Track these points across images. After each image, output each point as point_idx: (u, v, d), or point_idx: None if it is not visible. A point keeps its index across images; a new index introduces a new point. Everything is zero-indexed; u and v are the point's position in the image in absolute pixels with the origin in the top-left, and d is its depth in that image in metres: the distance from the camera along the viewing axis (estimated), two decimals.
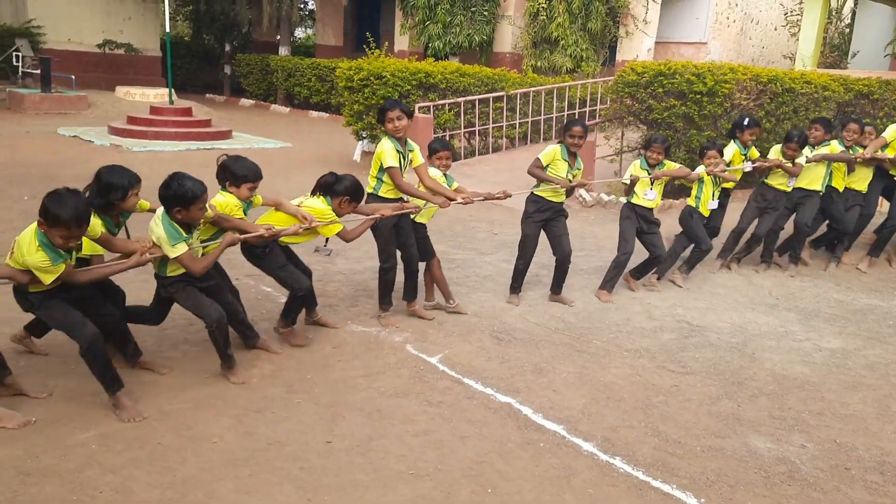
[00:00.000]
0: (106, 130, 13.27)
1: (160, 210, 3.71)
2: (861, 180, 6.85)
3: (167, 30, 14.91)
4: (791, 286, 6.42)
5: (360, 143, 12.25)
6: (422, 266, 5.13)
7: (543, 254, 6.99)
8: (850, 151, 6.62)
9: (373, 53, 11.74)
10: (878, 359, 4.88)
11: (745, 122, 6.38)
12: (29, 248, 3.26)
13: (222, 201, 4.05)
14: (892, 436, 3.81)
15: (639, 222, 5.73)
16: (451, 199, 4.79)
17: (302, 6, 25.30)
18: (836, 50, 16.48)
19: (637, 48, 16.32)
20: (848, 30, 17.29)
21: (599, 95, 13.33)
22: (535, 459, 3.36)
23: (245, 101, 21.78)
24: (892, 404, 4.20)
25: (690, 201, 6.21)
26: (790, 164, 6.37)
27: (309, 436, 3.44)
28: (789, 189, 6.55)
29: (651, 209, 5.73)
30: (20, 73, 17.22)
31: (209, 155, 11.71)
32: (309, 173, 10.11)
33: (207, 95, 22.63)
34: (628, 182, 5.67)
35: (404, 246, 4.87)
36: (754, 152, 6.51)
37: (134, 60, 21.02)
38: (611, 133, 10.54)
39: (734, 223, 6.71)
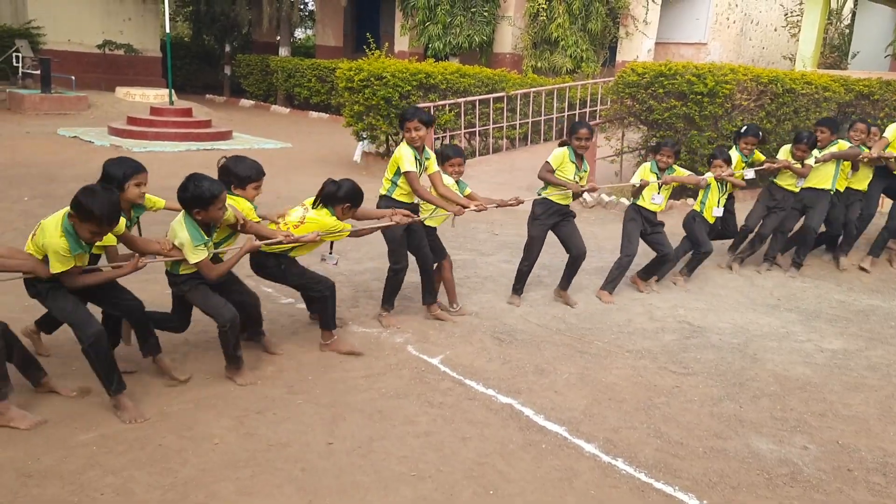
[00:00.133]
0: (106, 131, 13.27)
1: (182, 213, 3.72)
2: (861, 180, 6.88)
3: (167, 30, 14.90)
4: (792, 287, 6.42)
5: (361, 143, 12.24)
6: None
7: (544, 255, 6.99)
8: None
9: (373, 54, 11.74)
10: (879, 360, 4.88)
11: (742, 130, 6.44)
12: (53, 231, 3.27)
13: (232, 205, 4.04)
14: (894, 437, 3.80)
15: (643, 224, 5.73)
16: (465, 207, 4.81)
17: (302, 7, 25.31)
18: (836, 50, 16.49)
19: (637, 49, 16.31)
20: (848, 30, 17.29)
21: (600, 96, 13.33)
22: (536, 461, 3.35)
23: (245, 102, 21.78)
24: (894, 405, 4.19)
25: (695, 206, 6.23)
26: (799, 165, 6.40)
27: (310, 437, 3.43)
28: (798, 189, 6.57)
29: (655, 212, 5.74)
30: (20, 74, 17.22)
31: (209, 156, 11.71)
32: (309, 174, 10.12)
33: (207, 96, 22.63)
34: (637, 184, 5.67)
35: (417, 248, 4.87)
36: (759, 156, 6.53)
37: (134, 61, 21.02)
38: (611, 134, 10.53)
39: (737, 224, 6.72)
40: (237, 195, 4.06)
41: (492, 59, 17.21)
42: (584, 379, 4.27)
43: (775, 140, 9.12)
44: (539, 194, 5.36)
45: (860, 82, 10.25)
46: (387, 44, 13.81)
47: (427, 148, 4.81)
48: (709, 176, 6.05)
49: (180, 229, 3.67)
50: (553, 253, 6.94)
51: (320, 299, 4.40)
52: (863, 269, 6.98)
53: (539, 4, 16.00)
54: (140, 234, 3.93)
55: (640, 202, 5.73)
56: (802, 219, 6.78)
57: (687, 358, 4.69)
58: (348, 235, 4.45)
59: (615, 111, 10.22)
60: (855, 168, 6.74)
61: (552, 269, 6.12)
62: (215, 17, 23.60)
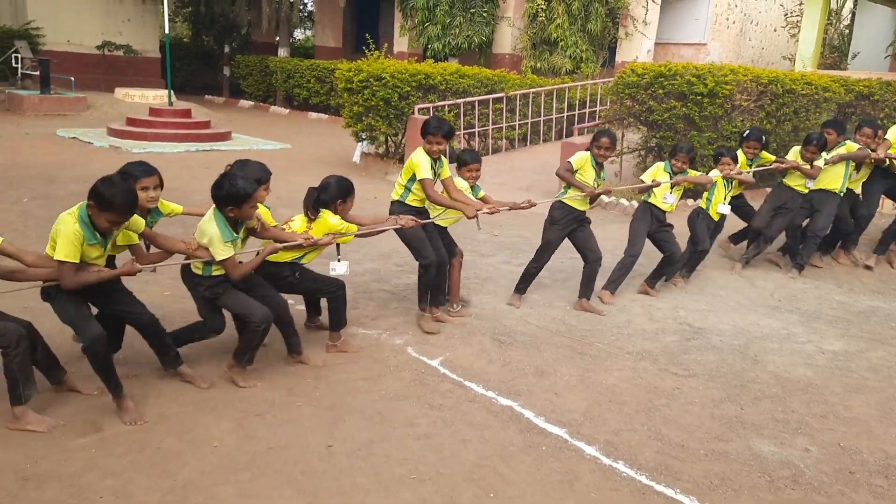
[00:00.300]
0: (105, 132, 13.25)
1: (212, 209, 3.75)
2: (857, 181, 6.94)
3: (166, 31, 14.90)
4: (793, 288, 6.41)
5: (360, 144, 12.23)
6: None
7: None
8: None
9: (372, 55, 11.73)
10: (881, 361, 4.87)
11: (745, 135, 6.51)
12: (69, 219, 3.32)
13: None
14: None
15: (652, 223, 5.73)
16: (478, 210, 4.84)
17: (301, 8, 25.31)
18: (835, 51, 16.49)
19: (637, 49, 16.30)
20: (848, 31, 17.29)
21: (599, 97, 13.32)
22: (537, 463, 3.34)
23: (244, 103, 21.76)
24: (895, 407, 4.18)
25: (701, 203, 6.25)
26: (808, 167, 6.41)
27: (309, 439, 3.42)
28: (806, 190, 6.59)
29: (665, 212, 5.75)
30: (19, 75, 17.22)
31: (209, 156, 11.71)
32: (309, 175, 10.09)
33: (207, 97, 22.61)
34: (648, 182, 5.69)
35: (436, 249, 4.87)
36: (768, 156, 6.55)
37: (133, 62, 21.01)
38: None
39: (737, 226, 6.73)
40: None
41: (491, 60, 17.20)
42: (585, 381, 4.26)
43: (775, 141, 9.11)
44: (558, 198, 5.38)
45: (860, 83, 10.25)
46: (386, 44, 13.81)
47: (441, 155, 4.84)
48: (715, 174, 6.07)
49: (209, 225, 3.70)
50: (553, 255, 6.94)
51: (334, 299, 4.39)
52: (867, 266, 6.99)
53: (538, 5, 16.00)
54: (148, 250, 3.91)
55: (651, 200, 5.74)
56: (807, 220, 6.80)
57: (687, 359, 4.67)
58: (358, 236, 4.46)
59: (615, 112, 10.22)
60: (857, 169, 6.77)
61: (552, 271, 6.11)
62: (214, 17, 23.58)
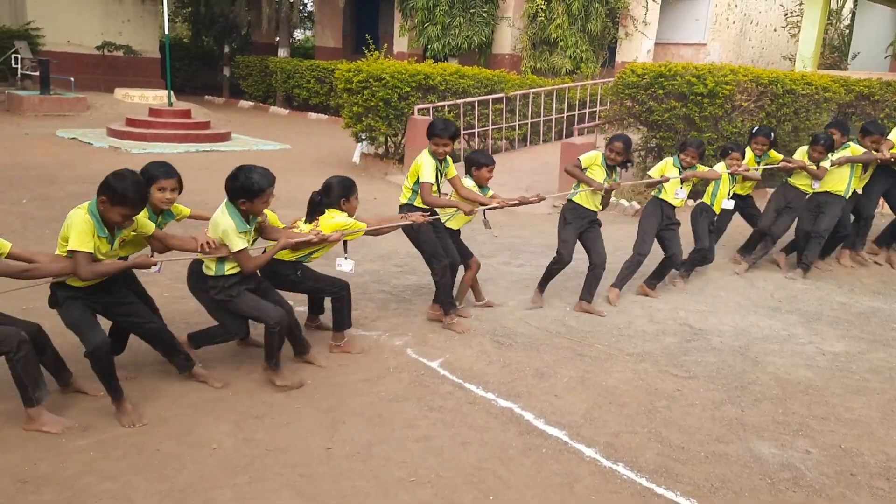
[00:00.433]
0: (105, 132, 13.25)
1: (224, 202, 3.76)
2: (862, 180, 6.90)
3: (166, 32, 14.89)
4: (793, 289, 6.39)
5: (360, 145, 12.22)
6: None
7: (542, 257, 6.97)
8: None
9: (372, 55, 11.72)
10: (881, 362, 4.85)
11: (754, 131, 6.56)
12: (78, 212, 3.34)
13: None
14: None
15: (662, 219, 5.73)
16: (485, 205, 4.89)
17: (301, 8, 25.29)
18: (835, 51, 16.47)
19: (637, 49, 16.29)
20: (848, 31, 17.27)
21: (599, 97, 13.31)
22: (537, 466, 3.33)
23: (244, 103, 21.75)
24: None
25: (705, 198, 6.24)
26: (814, 167, 6.41)
27: (309, 441, 3.41)
28: (812, 190, 6.59)
29: (675, 208, 5.76)
30: (19, 75, 17.20)
31: (208, 157, 11.70)
32: (308, 176, 10.08)
33: (206, 97, 22.59)
34: (656, 177, 5.70)
35: (448, 252, 4.88)
36: (776, 155, 6.55)
37: (133, 62, 20.98)
38: (611, 135, 10.51)
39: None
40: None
41: (491, 60, 17.19)
42: (585, 382, 4.25)
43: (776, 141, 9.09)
44: (569, 199, 5.40)
45: (860, 83, 10.24)
46: (386, 45, 13.80)
47: (447, 156, 4.86)
48: (720, 167, 6.08)
49: (223, 217, 3.71)
50: (552, 253, 6.92)
51: (338, 299, 4.39)
52: (877, 262, 7.04)
53: (538, 5, 15.98)
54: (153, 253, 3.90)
55: (662, 196, 5.73)
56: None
57: (688, 361, 4.66)
58: (368, 233, 4.51)
59: (615, 112, 10.21)
60: (864, 169, 6.77)
61: None
62: (214, 18, 23.56)
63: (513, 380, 4.22)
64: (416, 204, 4.81)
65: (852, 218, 7.06)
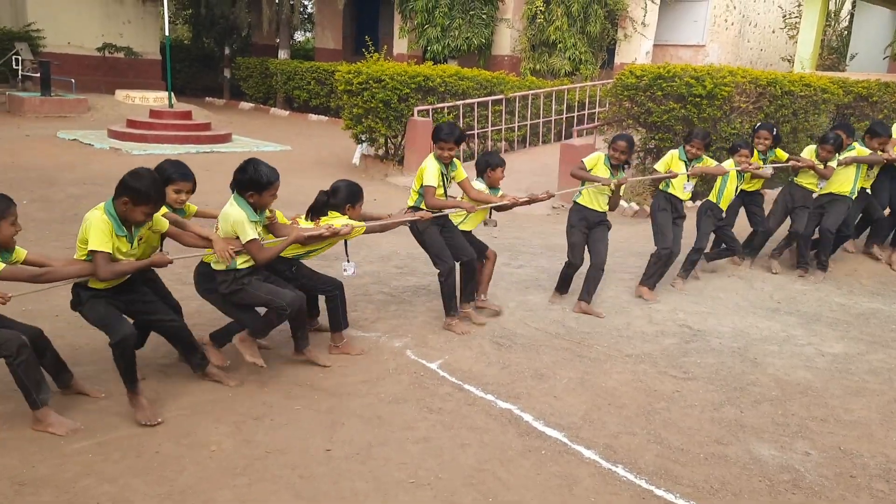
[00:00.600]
0: (105, 134, 13.26)
1: (232, 196, 3.79)
2: (868, 180, 6.96)
3: (167, 33, 14.91)
4: (792, 290, 6.39)
5: (360, 146, 12.23)
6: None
7: (541, 258, 6.98)
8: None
9: (372, 57, 11.73)
10: (881, 363, 4.85)
11: (756, 126, 6.59)
12: (95, 213, 3.37)
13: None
14: None
15: (672, 211, 5.75)
16: (492, 205, 4.97)
17: (301, 10, 25.31)
18: (834, 52, 16.48)
19: (635, 51, 16.30)
20: (846, 32, 17.28)
21: (598, 98, 13.31)
22: (536, 467, 3.33)
23: (244, 105, 21.76)
24: None
25: (711, 196, 6.25)
26: (822, 166, 6.42)
27: (308, 443, 3.41)
28: (818, 190, 6.60)
29: (683, 201, 5.77)
30: (20, 77, 17.21)
31: (209, 158, 11.70)
32: (309, 177, 10.09)
33: (207, 99, 22.61)
34: (664, 172, 5.71)
35: (460, 248, 4.91)
36: (782, 154, 6.57)
37: (134, 64, 21.00)
38: (610, 136, 10.52)
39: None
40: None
41: (490, 62, 17.20)
42: (584, 384, 4.25)
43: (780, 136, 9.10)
44: (574, 202, 5.43)
45: (859, 84, 10.25)
46: (385, 46, 13.80)
47: (454, 159, 4.90)
48: (728, 164, 6.10)
49: (233, 209, 3.74)
50: (551, 254, 6.94)
51: (331, 299, 4.40)
52: (889, 264, 7.05)
53: (537, 7, 15.99)
54: (161, 249, 3.89)
55: (670, 190, 5.74)
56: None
57: (687, 362, 4.66)
58: (374, 230, 4.57)
59: (614, 113, 10.22)
60: (870, 168, 6.81)
61: (551, 273, 6.09)
62: (215, 19, 23.57)
63: (512, 381, 4.22)
64: (422, 207, 4.85)
65: (858, 217, 7.10)
